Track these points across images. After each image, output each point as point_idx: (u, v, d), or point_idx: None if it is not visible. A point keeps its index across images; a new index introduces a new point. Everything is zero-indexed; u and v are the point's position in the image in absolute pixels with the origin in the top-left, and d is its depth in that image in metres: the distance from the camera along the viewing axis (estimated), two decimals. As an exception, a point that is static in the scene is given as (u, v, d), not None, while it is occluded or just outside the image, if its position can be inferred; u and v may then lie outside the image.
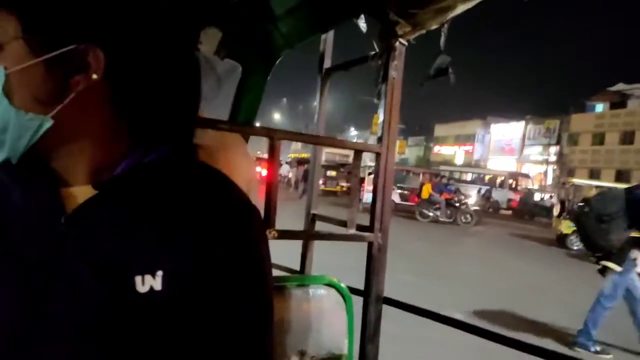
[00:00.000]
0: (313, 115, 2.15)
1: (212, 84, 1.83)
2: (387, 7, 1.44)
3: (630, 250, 4.88)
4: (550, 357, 1.34)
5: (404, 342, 4.03)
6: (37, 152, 0.65)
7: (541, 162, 41.88)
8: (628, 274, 4.93)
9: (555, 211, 16.12)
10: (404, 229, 13.56)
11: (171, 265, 0.64)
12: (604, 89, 39.96)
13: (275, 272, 2.01)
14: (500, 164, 44.25)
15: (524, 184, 30.14)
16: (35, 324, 0.61)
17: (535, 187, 30.65)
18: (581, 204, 5.24)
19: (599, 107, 40.52)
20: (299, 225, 2.06)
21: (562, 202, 15.82)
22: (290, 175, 29.15)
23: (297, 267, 2.02)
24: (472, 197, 20.63)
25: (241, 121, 2.07)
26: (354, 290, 1.58)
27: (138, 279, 0.62)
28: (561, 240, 14.38)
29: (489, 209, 25.78)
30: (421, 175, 21.25)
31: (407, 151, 58.21)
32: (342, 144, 1.82)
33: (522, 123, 46.00)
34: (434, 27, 1.42)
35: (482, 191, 26.95)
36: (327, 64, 1.96)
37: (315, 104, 2.05)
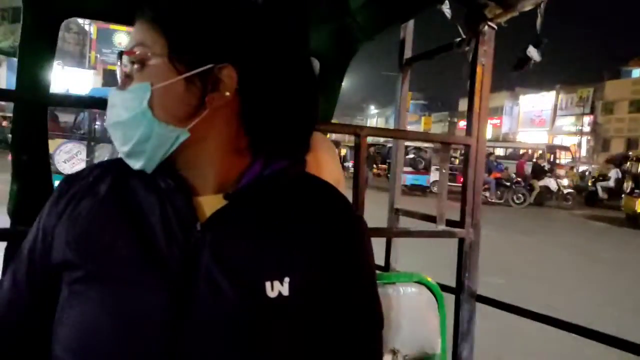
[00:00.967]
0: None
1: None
2: None
3: None
4: None
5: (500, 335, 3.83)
6: (171, 162, 0.71)
7: (575, 134, 40.85)
8: None
9: (627, 188, 14.95)
10: (451, 214, 13.19)
11: (296, 272, 0.70)
12: (641, 53, 38.54)
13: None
14: (530, 137, 43.31)
15: (563, 157, 29.34)
16: (184, 324, 0.66)
17: (567, 160, 29.80)
18: None
19: (636, 73, 39.13)
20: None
21: (635, 177, 14.72)
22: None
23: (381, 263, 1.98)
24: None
25: (321, 119, 2.01)
26: (445, 288, 1.53)
27: (268, 284, 0.68)
28: (633, 220, 13.55)
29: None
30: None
31: (432, 127, 57.58)
32: (430, 137, 1.75)
33: (553, 93, 44.82)
34: (527, 8, 1.33)
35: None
36: (408, 53, 1.88)
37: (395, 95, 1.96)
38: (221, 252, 0.69)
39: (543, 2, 1.29)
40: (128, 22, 1.85)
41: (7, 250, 1.17)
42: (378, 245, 1.94)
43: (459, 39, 1.52)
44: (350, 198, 1.42)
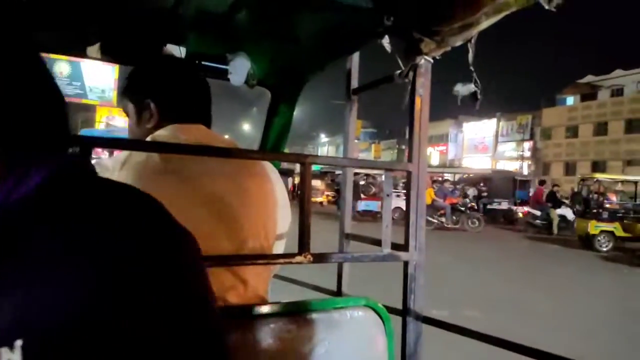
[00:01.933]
0: None
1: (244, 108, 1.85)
2: (411, 25, 1.45)
3: None
4: None
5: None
6: None
7: (516, 158, 42.74)
8: None
9: (578, 210, 15.09)
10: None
11: (38, 330, 0.50)
12: (574, 81, 41.09)
13: (313, 295, 2.00)
14: (475, 163, 44.99)
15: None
16: None
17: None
18: None
19: (570, 100, 41.68)
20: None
21: (585, 200, 14.84)
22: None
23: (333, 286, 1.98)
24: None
25: (272, 147, 2.13)
26: (393, 311, 1.53)
27: None
28: (586, 242, 13.72)
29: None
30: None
31: (382, 154, 58.81)
32: (372, 165, 1.78)
33: (494, 120, 46.91)
34: (459, 43, 1.41)
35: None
36: (354, 84, 1.93)
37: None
38: None
39: (473, 38, 1.37)
40: (72, 53, 1.84)
41: None
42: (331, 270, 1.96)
43: (399, 71, 1.57)
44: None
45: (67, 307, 0.51)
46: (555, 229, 16.44)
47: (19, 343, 0.49)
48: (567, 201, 17.86)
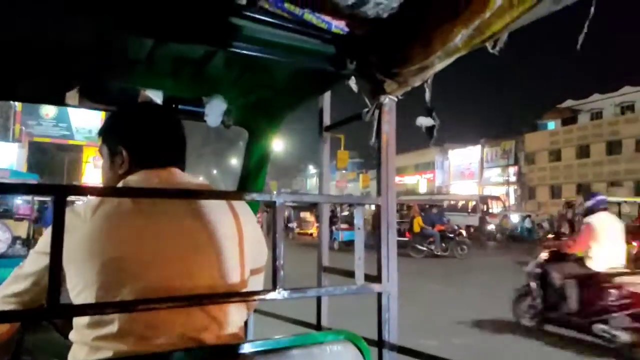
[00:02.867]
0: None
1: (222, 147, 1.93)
2: (373, 68, 1.54)
3: None
4: None
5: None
6: None
7: (502, 184, 43.08)
8: None
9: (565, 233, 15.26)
10: (404, 269, 13.04)
11: None
12: (554, 106, 41.90)
13: (294, 329, 2.01)
14: (462, 189, 45.26)
15: (494, 206, 30.81)
16: None
17: (499, 209, 31.32)
18: None
19: (551, 125, 42.45)
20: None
21: (570, 223, 14.76)
22: (260, 219, 29.20)
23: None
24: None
25: (251, 183, 2.22)
26: (368, 341, 1.55)
27: None
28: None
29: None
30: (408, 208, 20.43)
31: (370, 184, 58.91)
32: (344, 199, 1.82)
33: (478, 147, 47.46)
34: (417, 83, 1.51)
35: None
36: (326, 121, 2.02)
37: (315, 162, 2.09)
38: None
39: (429, 78, 1.48)
40: (56, 103, 1.90)
41: None
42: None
43: (366, 109, 1.65)
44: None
45: None
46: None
47: None
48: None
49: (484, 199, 31.50)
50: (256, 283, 1.43)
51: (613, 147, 35.96)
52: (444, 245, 16.76)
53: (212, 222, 1.27)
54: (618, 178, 34.74)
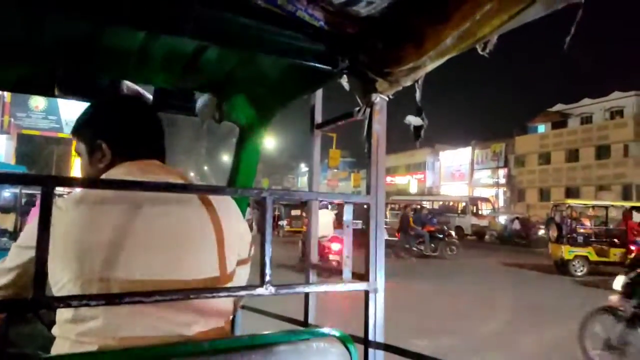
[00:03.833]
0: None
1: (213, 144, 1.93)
2: (365, 67, 1.55)
3: None
4: None
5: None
6: None
7: (492, 185, 43.34)
8: None
9: (552, 236, 15.05)
10: (393, 269, 13.02)
11: None
12: (544, 110, 42.19)
13: (281, 325, 2.01)
14: (452, 190, 45.49)
15: (484, 208, 31.03)
16: None
17: (488, 210, 31.55)
18: None
19: (541, 128, 42.77)
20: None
21: (558, 226, 14.84)
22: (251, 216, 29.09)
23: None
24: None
25: (240, 179, 2.22)
26: (355, 339, 1.56)
27: None
28: (562, 267, 13.88)
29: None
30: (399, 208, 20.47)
31: (361, 184, 58.93)
32: (333, 197, 1.82)
33: (469, 149, 47.72)
34: (408, 83, 1.53)
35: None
36: (318, 119, 2.02)
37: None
38: None
39: (420, 79, 1.49)
40: (46, 93, 1.89)
41: None
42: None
43: (357, 108, 1.66)
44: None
45: None
46: None
47: None
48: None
49: (473, 201, 31.70)
50: (243, 275, 1.44)
51: (602, 152, 36.30)
52: (433, 245, 16.81)
53: (197, 216, 1.27)
54: (606, 182, 35.07)
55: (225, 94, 2.08)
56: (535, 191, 41.06)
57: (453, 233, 18.26)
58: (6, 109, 20.19)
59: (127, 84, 1.90)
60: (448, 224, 22.12)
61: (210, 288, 1.24)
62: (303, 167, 72.66)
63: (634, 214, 15.35)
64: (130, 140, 1.35)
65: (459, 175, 48.75)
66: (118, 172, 1.26)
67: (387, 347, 1.63)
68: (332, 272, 1.98)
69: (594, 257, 13.99)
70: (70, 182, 1.09)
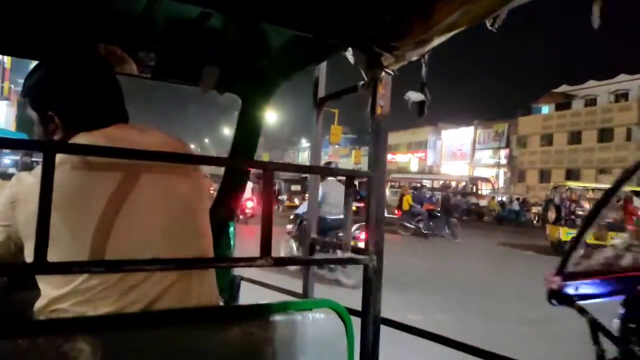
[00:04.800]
0: None
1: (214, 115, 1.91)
2: (371, 40, 1.53)
3: None
4: None
5: None
6: None
7: (492, 166, 43.31)
8: None
9: (551, 217, 15.08)
10: (391, 246, 13.12)
11: None
12: (549, 91, 41.86)
13: (280, 297, 2.03)
14: (453, 169, 45.48)
15: (483, 188, 31.12)
16: None
17: (488, 190, 31.63)
18: None
19: (545, 109, 42.50)
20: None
21: (557, 208, 14.88)
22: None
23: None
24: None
25: (242, 152, 2.18)
26: (352, 312, 1.57)
27: None
28: (558, 248, 13.89)
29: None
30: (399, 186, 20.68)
31: (362, 160, 58.94)
32: (335, 172, 1.82)
33: (472, 128, 47.52)
34: (414, 58, 1.50)
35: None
36: (321, 93, 2.00)
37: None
38: None
39: (427, 54, 1.46)
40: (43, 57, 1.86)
41: None
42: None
43: (362, 82, 1.64)
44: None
45: None
46: None
47: None
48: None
49: (473, 180, 31.76)
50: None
51: (604, 135, 36.14)
52: (431, 224, 16.88)
53: (178, 183, 1.26)
54: (608, 166, 35.00)
55: (229, 64, 2.06)
56: (536, 172, 41.07)
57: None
58: (6, 75, 20.02)
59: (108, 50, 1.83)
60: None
61: (209, 258, 1.25)
62: (304, 143, 72.42)
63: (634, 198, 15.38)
64: (80, 108, 1.25)
65: (460, 154, 48.66)
66: (82, 141, 1.17)
67: (384, 321, 1.65)
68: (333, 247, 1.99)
69: (591, 240, 14.05)
70: (71, 148, 1.08)
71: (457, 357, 1.68)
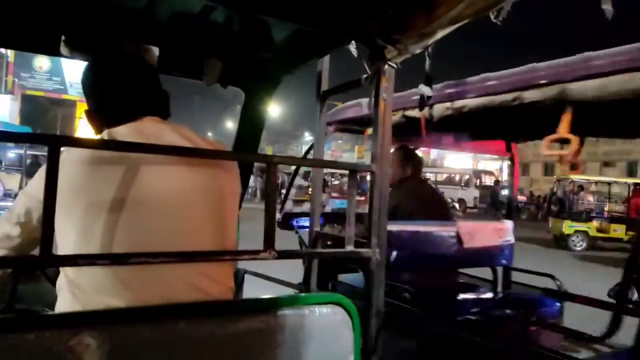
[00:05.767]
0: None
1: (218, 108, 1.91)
2: (374, 33, 1.53)
3: None
4: None
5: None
6: None
7: (496, 159, 43.08)
8: None
9: (553, 210, 15.20)
10: None
11: None
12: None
13: (283, 290, 2.05)
14: (456, 162, 45.28)
15: (487, 181, 31.03)
16: None
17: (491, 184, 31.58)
18: None
19: (549, 102, 42.18)
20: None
21: (560, 201, 14.96)
22: (254, 184, 28.96)
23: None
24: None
25: (245, 145, 2.23)
26: (357, 304, 1.58)
27: None
28: (561, 241, 13.90)
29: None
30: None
31: (365, 155, 58.75)
32: (338, 165, 1.83)
33: (476, 121, 47.22)
34: (418, 51, 1.51)
35: None
36: (324, 86, 1.99)
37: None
38: None
39: (430, 47, 1.46)
40: (51, 52, 1.87)
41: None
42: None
43: (365, 76, 1.64)
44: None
45: None
46: None
47: None
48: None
49: (477, 174, 31.63)
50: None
51: (609, 128, 35.92)
52: None
53: (195, 177, 1.27)
54: (612, 158, 34.84)
55: (232, 57, 2.06)
56: (540, 165, 40.94)
57: (457, 205, 18.28)
58: (10, 69, 20.03)
59: (132, 43, 1.86)
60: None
61: (216, 251, 1.25)
62: (307, 136, 72.24)
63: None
64: (121, 103, 1.31)
65: (463, 147, 48.44)
66: (117, 133, 1.23)
67: (387, 313, 1.66)
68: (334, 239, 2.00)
69: (594, 233, 14.03)
70: (76, 142, 1.08)
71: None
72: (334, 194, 19.68)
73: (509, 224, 3.16)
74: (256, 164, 2.93)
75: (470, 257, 2.84)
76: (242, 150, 2.25)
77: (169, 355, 1.08)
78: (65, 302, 1.15)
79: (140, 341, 1.06)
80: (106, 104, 1.31)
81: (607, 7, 1.07)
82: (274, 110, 33.58)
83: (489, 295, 3.08)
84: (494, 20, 1.18)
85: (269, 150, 49.08)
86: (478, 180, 30.37)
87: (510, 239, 3.11)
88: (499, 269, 3.17)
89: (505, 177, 40.67)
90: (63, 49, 1.76)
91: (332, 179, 20.44)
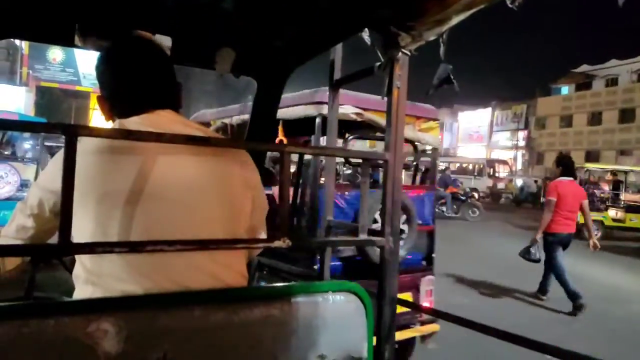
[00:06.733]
0: None
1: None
2: (387, 20, 1.50)
3: None
4: None
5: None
6: None
7: (510, 148, 42.76)
8: None
9: None
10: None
11: None
12: (569, 71, 40.94)
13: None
14: (469, 152, 44.99)
15: (501, 170, 30.81)
16: None
17: (505, 173, 31.33)
18: None
19: (565, 90, 41.65)
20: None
21: None
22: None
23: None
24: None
25: (258, 134, 2.23)
26: (372, 294, 1.58)
27: None
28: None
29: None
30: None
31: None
32: (351, 154, 1.82)
33: (489, 109, 46.87)
34: (432, 38, 1.47)
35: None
36: (337, 75, 1.98)
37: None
38: None
39: (445, 33, 1.44)
40: (65, 42, 1.88)
41: None
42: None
43: (378, 64, 1.62)
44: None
45: None
46: None
47: None
48: None
49: (491, 163, 31.38)
50: (260, 231, 1.46)
51: (626, 115, 35.32)
52: (455, 207, 16.76)
53: (208, 168, 1.27)
54: (629, 147, 34.33)
55: (244, 46, 2.06)
56: (555, 154, 40.43)
57: (476, 195, 18.08)
58: (24, 61, 20.23)
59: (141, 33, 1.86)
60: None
61: (231, 240, 1.26)
62: (319, 125, 72.19)
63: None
64: (133, 93, 1.30)
65: (477, 136, 48.11)
66: (130, 123, 1.24)
67: (400, 302, 1.66)
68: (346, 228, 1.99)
69: (609, 222, 13.88)
70: (93, 132, 1.09)
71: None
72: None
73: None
74: (269, 154, 2.92)
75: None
76: (255, 139, 2.26)
77: (185, 341, 1.10)
78: (82, 290, 1.17)
79: (157, 327, 1.07)
80: (118, 94, 1.31)
81: None
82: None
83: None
84: (510, 6, 1.16)
85: (281, 140, 49.05)
86: (492, 170, 30.11)
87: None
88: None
89: (519, 166, 40.49)
90: (76, 39, 1.77)
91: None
